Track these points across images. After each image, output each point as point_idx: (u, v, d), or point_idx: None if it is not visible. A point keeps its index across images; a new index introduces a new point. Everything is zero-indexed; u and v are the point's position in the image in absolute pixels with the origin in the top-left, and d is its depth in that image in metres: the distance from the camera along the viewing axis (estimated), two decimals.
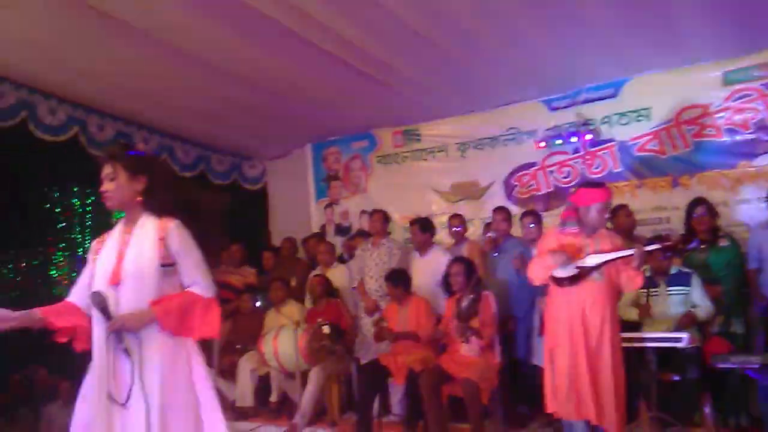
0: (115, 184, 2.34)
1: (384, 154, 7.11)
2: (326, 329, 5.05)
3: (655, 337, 3.87)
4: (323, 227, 7.47)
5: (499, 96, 6.17)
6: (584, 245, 3.52)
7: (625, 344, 3.62)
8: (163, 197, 2.40)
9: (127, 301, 2.25)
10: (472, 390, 4.21)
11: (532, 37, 4.89)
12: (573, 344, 3.44)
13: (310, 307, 5.70)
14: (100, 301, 2.21)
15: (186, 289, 2.36)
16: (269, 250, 6.86)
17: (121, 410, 2.20)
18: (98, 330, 2.26)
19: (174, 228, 2.34)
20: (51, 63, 4.98)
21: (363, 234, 6.38)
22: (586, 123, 5.96)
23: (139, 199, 2.36)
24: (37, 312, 2.29)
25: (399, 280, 4.97)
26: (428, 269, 5.34)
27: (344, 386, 5.40)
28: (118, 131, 6.07)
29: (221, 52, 4.88)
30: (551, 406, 3.50)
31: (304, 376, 4.95)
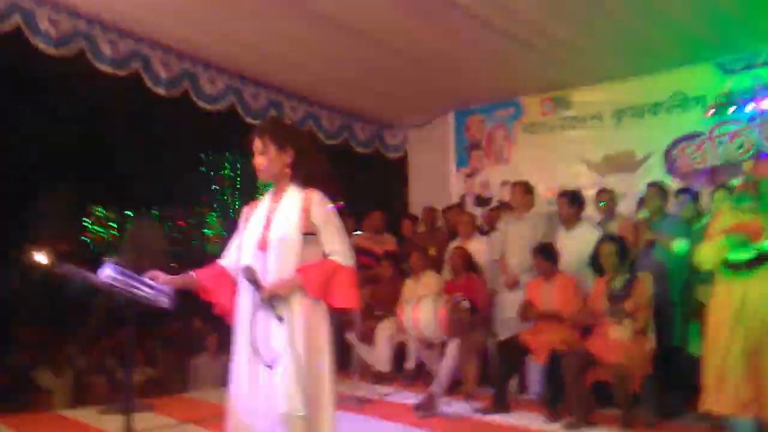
0: (265, 158, 2.44)
1: (530, 123, 6.80)
2: (465, 304, 4.97)
3: None
4: (463, 197, 7.35)
5: (664, 58, 5.61)
6: (765, 225, 3.13)
7: None
8: (309, 169, 2.49)
9: (273, 266, 2.37)
10: (623, 375, 3.97)
11: None
12: (744, 335, 3.12)
13: (449, 278, 5.65)
14: (250, 274, 2.32)
15: (327, 257, 2.42)
16: (408, 218, 6.89)
17: (271, 373, 2.29)
18: (245, 299, 2.39)
19: (316, 199, 2.43)
20: (211, 34, 5.25)
21: (505, 206, 6.19)
22: (766, 87, 5.29)
23: (288, 171, 2.46)
24: (193, 275, 2.48)
25: (550, 254, 4.76)
26: (575, 245, 5.07)
27: (481, 360, 5.32)
28: (270, 100, 6.31)
29: (366, 19, 4.88)
30: (707, 402, 3.22)
31: (442, 346, 4.93)
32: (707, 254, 3.26)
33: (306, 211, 2.40)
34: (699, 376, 4.22)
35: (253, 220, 2.50)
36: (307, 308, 2.36)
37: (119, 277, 2.22)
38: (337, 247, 2.43)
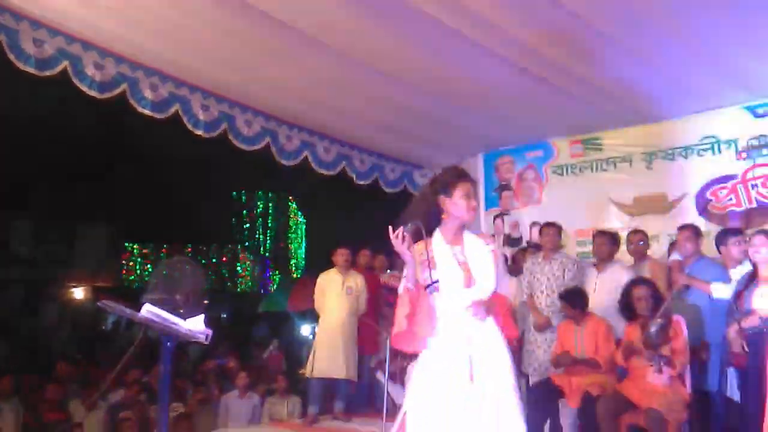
0: (474, 202, 2.81)
1: (560, 164, 6.84)
2: None
3: None
4: (492, 237, 7.35)
5: (695, 102, 5.65)
6: None
7: None
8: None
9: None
10: (658, 421, 3.88)
11: (736, 38, 4.43)
12: None
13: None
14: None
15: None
16: None
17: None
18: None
19: (493, 243, 2.88)
20: (247, 77, 5.44)
21: (535, 246, 6.18)
22: None
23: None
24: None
25: (576, 299, 4.72)
26: (606, 287, 5.03)
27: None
28: (303, 141, 6.47)
29: (399, 61, 5.00)
30: None
31: None
32: None
33: (494, 253, 2.78)
34: (736, 422, 4.13)
35: (442, 259, 2.72)
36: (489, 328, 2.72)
37: (158, 312, 2.29)
38: (502, 283, 2.84)
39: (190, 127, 5.53)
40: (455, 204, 2.76)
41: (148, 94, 5.22)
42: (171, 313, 2.26)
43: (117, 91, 5.05)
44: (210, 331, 2.30)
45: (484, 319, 2.71)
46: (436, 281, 2.63)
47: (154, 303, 2.28)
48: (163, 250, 20.09)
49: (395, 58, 4.93)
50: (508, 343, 2.82)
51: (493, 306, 2.76)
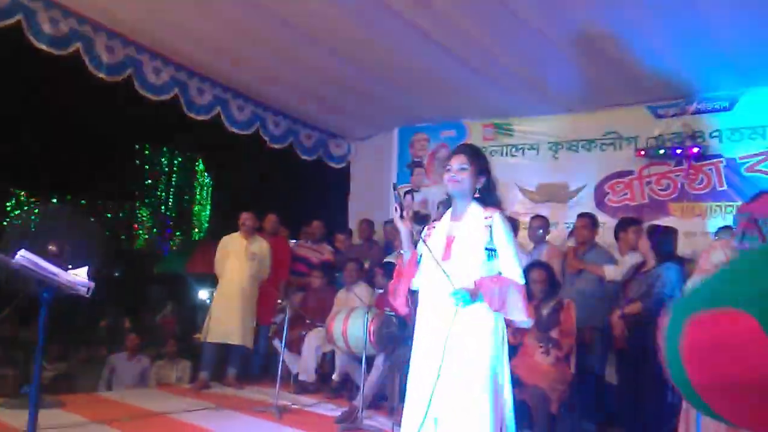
0: (465, 175, 2.66)
1: None
2: (395, 318, 4.99)
3: None
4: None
5: (601, 97, 5.87)
6: None
7: None
8: (494, 197, 2.73)
9: (455, 275, 2.55)
10: (541, 398, 4.05)
11: (646, 40, 4.63)
12: None
13: (381, 291, 5.66)
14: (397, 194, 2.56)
15: (501, 274, 2.60)
16: (341, 232, 6.94)
17: (434, 360, 2.59)
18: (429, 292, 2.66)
19: (498, 217, 2.62)
20: (157, 22, 5.12)
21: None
22: (693, 135, 5.61)
23: (477, 195, 2.68)
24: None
25: None
26: None
27: (406, 377, 5.34)
28: (216, 96, 6.17)
29: (323, 26, 4.88)
30: None
31: (369, 360, 4.92)
32: None
33: (488, 228, 2.59)
34: (613, 404, 4.39)
35: (435, 236, 2.68)
36: (482, 316, 2.54)
37: (34, 261, 2.11)
38: (512, 265, 2.59)
39: (91, 69, 5.12)
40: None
41: (46, 28, 4.79)
42: (51, 262, 2.08)
43: (11, 21, 4.60)
44: (92, 284, 2.14)
45: (467, 295, 2.52)
46: (420, 234, 2.66)
47: (32, 251, 2.09)
48: (54, 199, 18.88)
49: (320, 21, 4.80)
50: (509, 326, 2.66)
51: (486, 287, 2.54)
